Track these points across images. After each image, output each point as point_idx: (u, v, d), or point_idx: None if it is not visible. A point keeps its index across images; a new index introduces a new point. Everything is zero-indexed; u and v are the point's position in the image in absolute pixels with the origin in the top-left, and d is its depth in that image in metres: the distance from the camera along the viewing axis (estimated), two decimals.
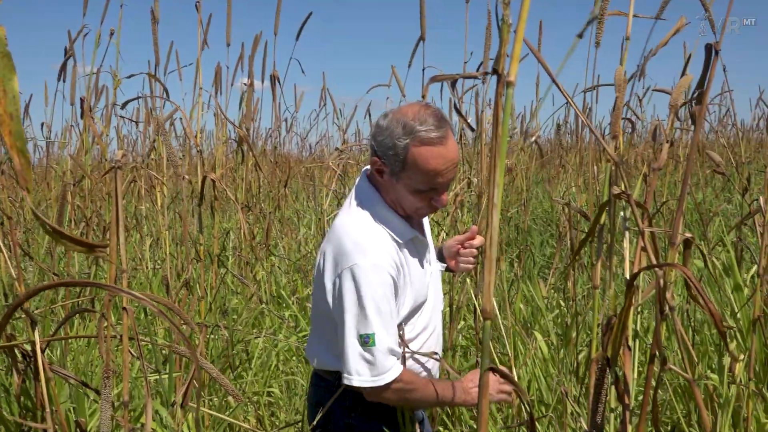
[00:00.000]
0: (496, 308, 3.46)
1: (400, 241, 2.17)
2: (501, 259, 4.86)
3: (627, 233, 1.65)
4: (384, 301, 2.07)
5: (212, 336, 4.00)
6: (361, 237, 2.11)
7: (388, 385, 2.12)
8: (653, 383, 1.51)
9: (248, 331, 4.21)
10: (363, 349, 2.09)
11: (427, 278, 2.31)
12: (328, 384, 2.29)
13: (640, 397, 1.82)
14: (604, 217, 1.75)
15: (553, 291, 5.27)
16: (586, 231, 2.16)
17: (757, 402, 2.61)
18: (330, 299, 2.14)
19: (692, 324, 3.36)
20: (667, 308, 1.46)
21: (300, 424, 3.34)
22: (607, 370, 1.56)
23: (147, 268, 5.32)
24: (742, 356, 2.90)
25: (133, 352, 2.10)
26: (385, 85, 5.75)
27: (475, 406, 2.37)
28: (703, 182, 9.50)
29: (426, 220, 2.42)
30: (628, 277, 1.59)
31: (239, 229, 5.68)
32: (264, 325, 4.63)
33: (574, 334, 3.50)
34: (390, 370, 2.11)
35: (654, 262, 1.54)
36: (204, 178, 3.95)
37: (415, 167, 2.06)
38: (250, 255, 5.32)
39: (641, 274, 1.90)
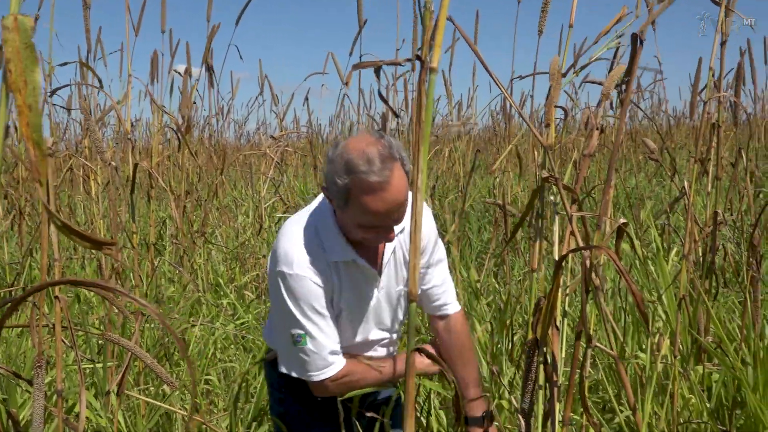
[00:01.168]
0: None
1: (336, 260, 2.17)
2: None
3: (557, 217, 1.69)
4: (310, 307, 2.13)
5: (148, 325, 3.96)
6: (291, 247, 2.14)
7: (324, 381, 2.19)
8: (579, 360, 1.55)
9: (185, 320, 4.18)
10: (295, 347, 2.17)
11: (367, 306, 2.31)
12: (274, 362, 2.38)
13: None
14: (536, 203, 1.79)
15: (489, 276, 5.34)
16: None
17: (682, 379, 2.69)
18: (270, 288, 2.21)
19: (624, 306, 3.45)
20: (592, 288, 1.50)
21: (236, 411, 3.34)
22: (537, 351, 1.60)
23: (81, 257, 5.24)
24: (667, 336, 2.99)
25: (66, 341, 2.08)
26: (323, 72, 5.75)
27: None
28: (636, 168, 9.70)
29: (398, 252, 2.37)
30: (556, 259, 1.63)
31: (176, 219, 5.63)
32: (201, 313, 4.60)
33: (508, 317, 3.56)
34: (326, 368, 2.19)
35: (581, 245, 1.58)
36: (135, 166, 3.91)
37: (357, 207, 2.03)
38: (187, 243, 5.28)
39: (572, 257, 1.94)
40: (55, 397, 2.62)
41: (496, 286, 4.88)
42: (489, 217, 7.98)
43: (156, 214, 4.33)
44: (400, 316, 2.42)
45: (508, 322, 3.45)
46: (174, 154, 5.95)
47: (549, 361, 1.61)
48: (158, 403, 2.31)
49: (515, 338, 3.58)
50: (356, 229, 2.10)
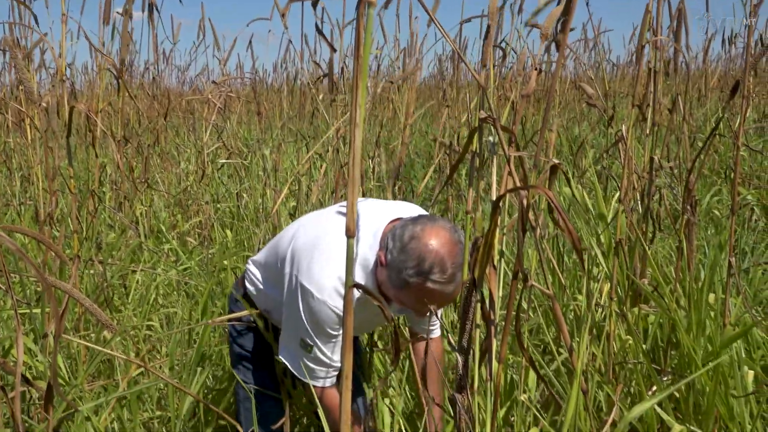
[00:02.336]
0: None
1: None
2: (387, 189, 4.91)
3: (495, 158, 1.69)
4: (325, 330, 2.19)
5: (88, 271, 3.91)
6: (327, 275, 2.16)
7: (323, 389, 2.30)
8: (516, 299, 1.57)
9: (125, 266, 4.14)
10: (303, 351, 2.25)
11: (364, 323, 2.44)
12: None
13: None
14: (475, 143, 1.80)
15: None
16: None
17: (619, 321, 2.75)
18: (286, 285, 2.27)
19: (562, 250, 3.50)
20: (529, 228, 1.52)
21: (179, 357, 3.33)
22: (474, 290, 1.62)
23: (17, 204, 5.14)
24: (605, 279, 3.05)
25: (1, 286, 2.04)
26: (266, 18, 5.65)
27: None
28: (580, 117, 9.78)
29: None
30: (493, 199, 1.64)
31: (116, 164, 5.53)
32: (142, 259, 4.55)
33: None
34: (326, 379, 2.29)
35: (518, 185, 1.59)
36: (72, 109, 3.81)
37: (412, 295, 2.09)
38: (128, 189, 5.20)
39: (511, 199, 1.96)
40: None
41: None
42: (434, 164, 7.99)
43: (97, 160, 4.24)
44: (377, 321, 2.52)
45: None
46: (112, 98, 5.82)
47: (486, 300, 1.63)
48: (98, 348, 2.29)
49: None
50: (396, 301, 2.17)
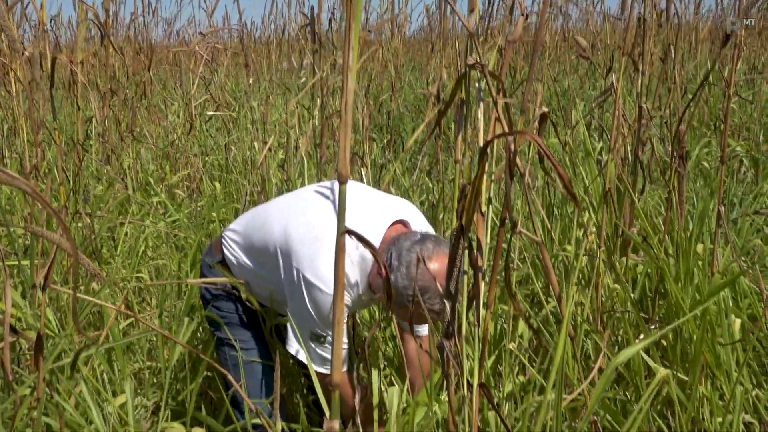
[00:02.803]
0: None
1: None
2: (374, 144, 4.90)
3: (482, 104, 1.68)
4: (328, 320, 2.22)
5: (75, 224, 3.89)
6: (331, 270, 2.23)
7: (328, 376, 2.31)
8: (504, 247, 1.57)
9: (113, 218, 4.12)
10: (317, 344, 2.29)
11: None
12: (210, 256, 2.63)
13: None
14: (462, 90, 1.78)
15: (423, 174, 5.36)
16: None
17: (607, 270, 2.76)
18: (286, 275, 2.29)
19: (552, 201, 3.50)
20: (516, 175, 1.51)
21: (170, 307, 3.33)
22: (461, 237, 1.61)
23: (3, 157, 5.10)
24: (593, 228, 3.06)
25: None
26: None
27: None
28: (570, 69, 9.72)
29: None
30: (480, 145, 1.63)
31: (103, 117, 5.48)
32: (131, 212, 4.54)
33: (441, 215, 3.61)
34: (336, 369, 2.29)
35: (507, 130, 1.58)
36: (54, 60, 3.76)
37: (407, 311, 2.18)
38: (115, 142, 5.16)
39: (498, 147, 1.95)
40: None
41: (430, 184, 4.90)
42: (423, 117, 7.95)
43: (82, 113, 4.19)
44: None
45: (440, 217, 3.49)
46: (99, 51, 5.75)
47: (474, 247, 1.62)
48: (87, 297, 2.29)
49: (446, 234, 3.63)
50: (389, 307, 2.19)
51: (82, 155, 4.01)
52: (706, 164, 5.44)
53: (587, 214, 3.03)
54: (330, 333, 2.25)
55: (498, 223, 1.55)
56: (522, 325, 2.75)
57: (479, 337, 1.52)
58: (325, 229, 2.26)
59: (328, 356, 2.30)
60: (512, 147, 1.46)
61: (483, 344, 1.52)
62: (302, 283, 2.22)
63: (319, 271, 2.20)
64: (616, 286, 2.74)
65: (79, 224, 3.91)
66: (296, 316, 2.29)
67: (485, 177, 1.58)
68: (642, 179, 2.93)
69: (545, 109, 1.74)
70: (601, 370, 2.08)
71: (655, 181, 3.41)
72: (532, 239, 1.59)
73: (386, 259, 2.19)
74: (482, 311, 1.55)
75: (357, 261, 2.24)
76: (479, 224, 1.56)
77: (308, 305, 2.23)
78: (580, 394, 2.12)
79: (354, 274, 2.24)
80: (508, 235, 1.61)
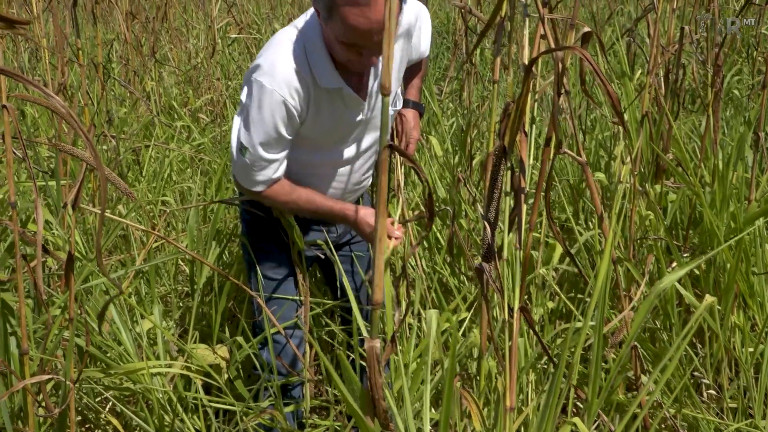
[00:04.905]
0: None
1: (320, 86, 2.14)
2: None
3: (527, 21, 1.62)
4: (268, 123, 2.12)
5: (100, 146, 3.87)
6: (279, 62, 2.11)
7: (258, 192, 2.27)
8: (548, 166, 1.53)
9: (138, 140, 4.09)
10: (239, 154, 2.20)
11: (343, 133, 2.30)
12: None
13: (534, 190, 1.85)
14: (504, 8, 1.72)
15: (448, 101, 5.28)
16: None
17: (640, 198, 2.71)
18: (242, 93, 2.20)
19: (583, 128, 3.44)
20: (564, 92, 1.46)
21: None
22: (504, 157, 1.57)
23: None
24: (629, 158, 3.00)
25: (17, 153, 2.00)
26: None
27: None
28: None
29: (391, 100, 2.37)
30: (526, 63, 1.57)
31: (124, 39, 5.41)
32: (155, 135, 4.50)
33: (468, 139, 3.55)
34: (256, 185, 2.24)
35: (553, 46, 1.52)
36: None
37: (339, 20, 1.96)
38: (137, 65, 5.11)
39: (540, 66, 1.89)
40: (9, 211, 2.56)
41: (457, 109, 4.83)
42: (447, 44, 7.81)
43: (103, 35, 4.13)
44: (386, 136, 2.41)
45: (468, 140, 3.44)
46: None
47: (516, 167, 1.58)
48: (115, 218, 2.27)
49: (474, 162, 3.58)
50: (338, 45, 2.04)
51: (104, 77, 3.96)
52: (737, 92, 5.33)
53: (622, 143, 2.97)
54: (258, 140, 2.15)
55: (542, 144, 1.50)
56: (551, 252, 2.72)
57: (521, 260, 1.49)
58: (276, 36, 2.20)
59: (247, 170, 2.22)
60: (560, 64, 1.41)
61: (524, 268, 1.49)
62: (249, 85, 2.14)
63: (264, 65, 2.11)
64: (650, 213, 2.69)
65: (104, 147, 3.88)
66: (236, 121, 2.22)
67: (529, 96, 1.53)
68: (677, 104, 2.87)
69: (587, 27, 1.68)
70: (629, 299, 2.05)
71: (688, 106, 3.33)
72: (577, 160, 1.54)
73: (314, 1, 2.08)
74: (524, 234, 1.51)
75: (314, 51, 2.15)
76: (523, 144, 1.52)
77: (250, 107, 2.14)
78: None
79: (318, 67, 2.15)
80: (552, 154, 1.57)
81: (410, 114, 2.58)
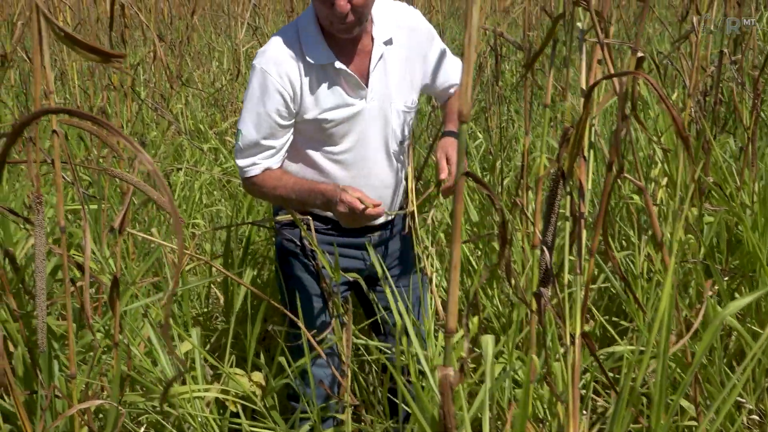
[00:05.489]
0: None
1: (311, 62, 2.18)
2: None
3: (584, 46, 1.61)
4: (259, 104, 2.19)
5: (129, 170, 3.87)
6: (272, 44, 2.22)
7: (247, 179, 2.31)
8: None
9: (169, 163, 4.10)
10: (235, 139, 2.29)
11: (353, 117, 2.27)
12: None
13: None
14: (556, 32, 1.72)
15: (472, 122, 5.27)
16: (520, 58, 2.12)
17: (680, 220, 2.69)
18: None
19: (623, 151, 3.42)
20: (629, 114, 1.45)
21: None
22: (562, 182, 1.56)
23: (53, 101, 5.08)
24: (665, 180, 2.99)
25: (66, 177, 2.01)
26: None
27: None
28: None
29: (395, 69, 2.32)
30: (584, 87, 1.57)
31: (149, 62, 5.43)
32: (184, 158, 4.52)
33: (498, 159, 3.56)
34: (245, 169, 2.28)
35: (612, 71, 1.52)
36: (113, 1, 3.72)
37: None
38: (164, 87, 5.13)
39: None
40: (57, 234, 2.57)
41: (479, 133, 4.83)
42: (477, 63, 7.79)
43: (130, 58, 4.15)
44: (399, 134, 2.37)
45: (498, 164, 3.45)
46: None
47: (574, 192, 1.58)
48: (158, 240, 2.28)
49: (505, 182, 3.58)
50: (317, 4, 2.10)
51: (133, 100, 3.98)
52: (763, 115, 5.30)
53: (658, 163, 2.96)
54: (246, 125, 2.23)
55: (606, 168, 1.49)
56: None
57: (581, 285, 1.48)
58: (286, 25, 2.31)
59: (240, 154, 2.27)
60: (623, 88, 1.41)
61: (586, 293, 1.48)
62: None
63: (260, 50, 2.23)
64: (690, 236, 2.67)
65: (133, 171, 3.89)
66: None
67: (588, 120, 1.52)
68: (714, 126, 2.85)
69: (641, 52, 1.68)
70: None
71: (727, 127, 3.31)
72: (636, 185, 1.54)
73: None
74: (584, 259, 1.51)
75: (306, 29, 2.22)
76: (582, 169, 1.51)
77: (246, 91, 2.24)
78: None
79: (308, 43, 2.21)
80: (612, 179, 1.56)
81: (449, 142, 2.46)
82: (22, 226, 2.40)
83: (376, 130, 2.32)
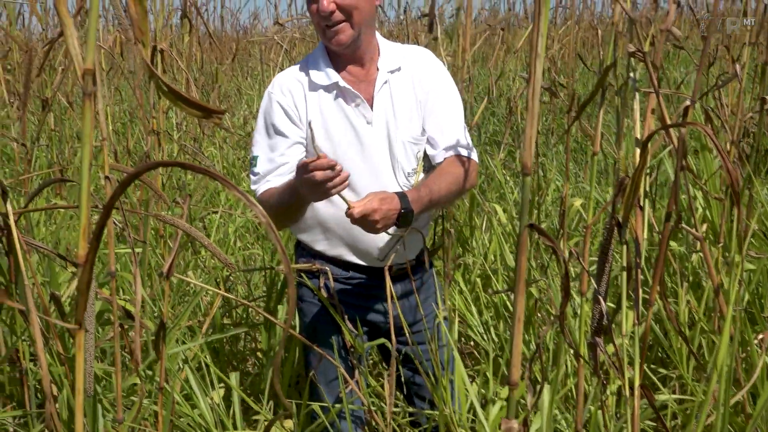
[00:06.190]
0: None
1: (316, 82, 2.23)
2: None
3: (636, 96, 1.62)
4: (268, 125, 2.25)
5: (169, 212, 3.91)
6: (282, 72, 2.33)
7: (257, 196, 2.29)
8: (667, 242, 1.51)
9: (205, 207, 4.14)
10: (251, 165, 2.32)
11: (358, 139, 2.22)
12: None
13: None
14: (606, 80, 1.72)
15: (499, 168, 5.29)
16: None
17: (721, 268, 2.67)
18: None
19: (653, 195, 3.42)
20: (686, 166, 1.45)
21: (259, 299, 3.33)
22: (616, 232, 1.56)
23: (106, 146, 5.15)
24: (705, 226, 2.97)
25: (117, 222, 2.03)
26: None
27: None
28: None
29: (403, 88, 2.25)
30: (639, 137, 1.57)
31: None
32: (220, 202, 4.55)
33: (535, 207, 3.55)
34: (256, 185, 2.29)
35: (667, 122, 1.52)
36: (154, 48, 3.79)
37: None
38: (197, 131, 5.19)
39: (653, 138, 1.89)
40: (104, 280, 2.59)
41: (508, 178, 4.84)
42: (491, 109, 7.83)
43: (163, 102, 4.20)
44: (406, 166, 2.26)
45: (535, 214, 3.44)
46: (183, 36, 5.76)
47: (629, 243, 1.57)
48: (207, 287, 2.28)
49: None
50: (309, 12, 2.18)
51: (167, 145, 4.03)
52: None
53: (699, 209, 2.94)
54: (256, 146, 2.28)
55: (663, 220, 1.49)
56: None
57: (639, 336, 1.47)
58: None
59: (253, 175, 2.30)
60: (681, 139, 1.41)
61: (644, 344, 1.47)
62: None
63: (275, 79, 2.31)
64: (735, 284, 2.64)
65: (173, 213, 3.93)
66: None
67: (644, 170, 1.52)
68: (756, 172, 2.84)
69: (688, 101, 1.68)
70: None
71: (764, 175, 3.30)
72: (694, 235, 1.53)
73: None
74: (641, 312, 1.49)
75: (314, 54, 2.30)
76: (638, 220, 1.51)
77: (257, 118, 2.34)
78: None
79: (314, 65, 2.27)
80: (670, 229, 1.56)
81: (390, 196, 2.06)
82: (65, 267, 2.42)
83: (381, 159, 2.24)
